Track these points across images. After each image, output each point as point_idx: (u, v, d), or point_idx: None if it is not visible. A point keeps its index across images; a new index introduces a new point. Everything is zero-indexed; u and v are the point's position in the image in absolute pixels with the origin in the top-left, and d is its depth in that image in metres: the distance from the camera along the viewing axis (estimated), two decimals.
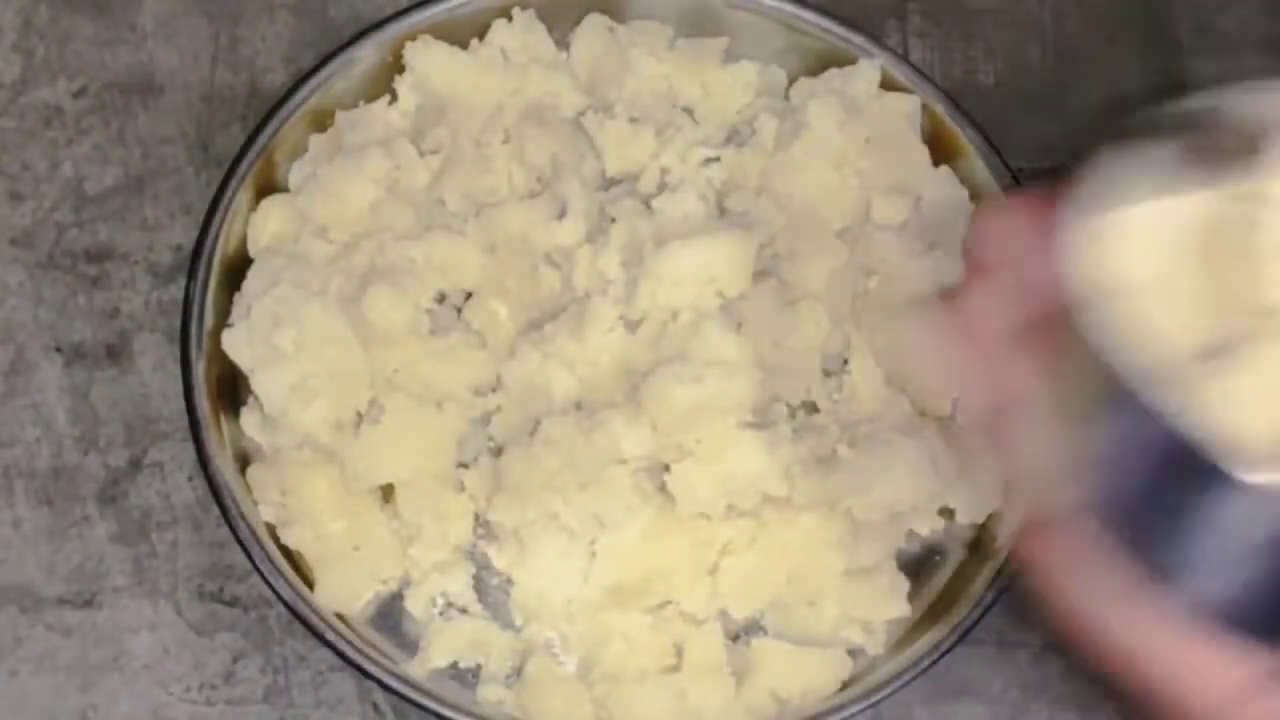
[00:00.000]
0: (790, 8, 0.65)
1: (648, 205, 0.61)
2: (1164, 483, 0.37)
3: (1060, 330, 0.38)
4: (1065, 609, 0.41)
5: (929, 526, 0.60)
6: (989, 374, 0.42)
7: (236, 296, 0.60)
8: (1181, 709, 0.40)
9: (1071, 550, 0.40)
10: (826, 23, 0.65)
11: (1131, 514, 0.38)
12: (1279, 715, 0.39)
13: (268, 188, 0.62)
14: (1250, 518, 0.36)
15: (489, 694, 0.57)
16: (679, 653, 0.58)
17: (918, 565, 0.60)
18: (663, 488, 0.57)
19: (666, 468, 0.57)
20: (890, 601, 0.59)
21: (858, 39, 0.65)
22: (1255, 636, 0.39)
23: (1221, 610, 0.39)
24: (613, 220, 0.61)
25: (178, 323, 0.60)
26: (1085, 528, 0.39)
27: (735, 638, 0.59)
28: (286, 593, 0.56)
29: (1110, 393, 0.36)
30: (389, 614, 0.59)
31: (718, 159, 0.63)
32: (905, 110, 0.64)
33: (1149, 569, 0.39)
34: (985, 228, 0.44)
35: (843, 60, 0.65)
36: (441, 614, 0.59)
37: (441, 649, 0.58)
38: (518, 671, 0.58)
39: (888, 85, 0.65)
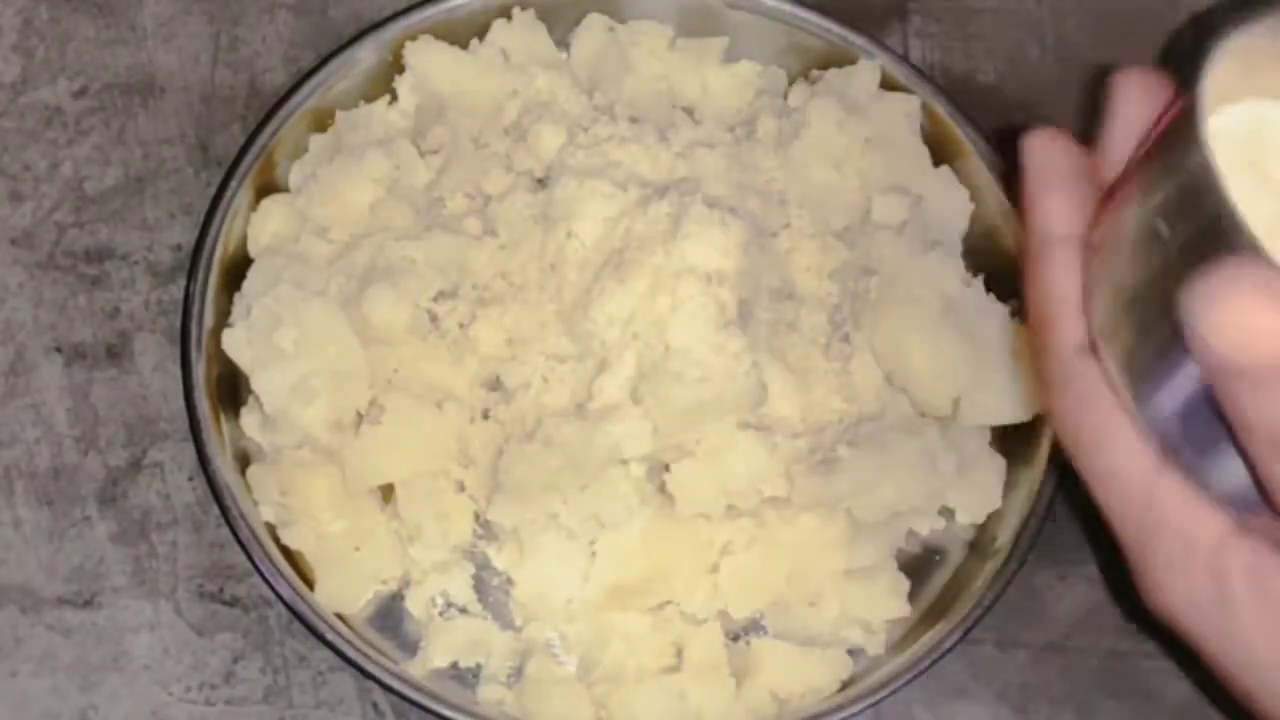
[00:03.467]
0: (790, 8, 0.65)
1: (647, 205, 0.61)
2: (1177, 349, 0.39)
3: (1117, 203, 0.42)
4: (1068, 423, 0.44)
5: (929, 526, 0.60)
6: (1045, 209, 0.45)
7: (236, 296, 0.60)
8: (1149, 545, 0.42)
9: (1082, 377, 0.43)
10: (826, 23, 0.65)
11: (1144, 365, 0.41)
12: (1261, 563, 0.41)
13: (268, 188, 0.62)
14: None
15: (489, 694, 0.57)
16: (679, 653, 0.58)
17: (918, 565, 0.60)
18: (663, 488, 0.57)
19: (666, 468, 0.57)
20: (890, 601, 0.59)
21: (858, 39, 0.65)
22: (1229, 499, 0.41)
23: (1196, 470, 0.41)
24: (612, 220, 0.61)
25: (178, 323, 0.60)
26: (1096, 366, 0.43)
27: (735, 638, 0.59)
28: (286, 593, 0.56)
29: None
30: (389, 614, 0.59)
31: (718, 159, 0.63)
32: (905, 110, 0.64)
33: (1146, 420, 0.42)
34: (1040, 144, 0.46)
35: (843, 60, 0.65)
36: (441, 614, 0.59)
37: (441, 649, 0.58)
38: (518, 671, 0.58)
39: (888, 85, 0.65)
